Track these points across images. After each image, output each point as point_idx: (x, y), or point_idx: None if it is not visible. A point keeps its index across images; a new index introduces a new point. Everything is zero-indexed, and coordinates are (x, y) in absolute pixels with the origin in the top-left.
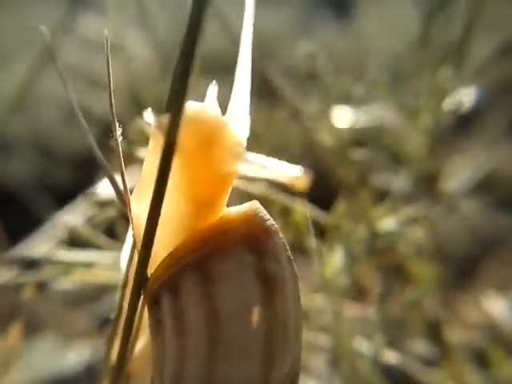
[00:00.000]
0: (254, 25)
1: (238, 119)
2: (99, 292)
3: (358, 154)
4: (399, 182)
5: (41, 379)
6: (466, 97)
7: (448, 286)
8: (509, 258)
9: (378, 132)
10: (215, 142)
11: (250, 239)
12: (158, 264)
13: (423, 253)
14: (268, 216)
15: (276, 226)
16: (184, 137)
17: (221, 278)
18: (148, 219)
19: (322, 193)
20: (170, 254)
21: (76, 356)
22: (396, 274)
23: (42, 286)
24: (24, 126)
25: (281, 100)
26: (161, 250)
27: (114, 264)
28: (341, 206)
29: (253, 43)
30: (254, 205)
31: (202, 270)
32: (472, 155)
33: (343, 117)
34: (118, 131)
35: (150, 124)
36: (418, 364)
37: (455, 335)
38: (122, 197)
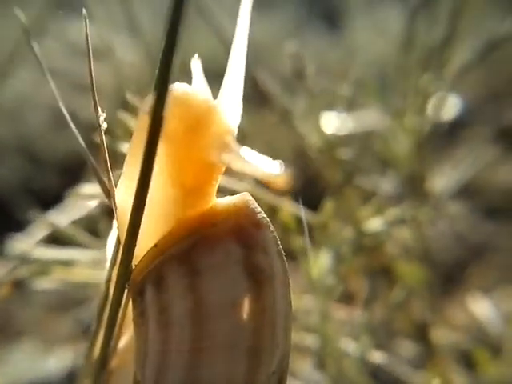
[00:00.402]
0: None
1: (230, 105)
2: (81, 298)
3: (345, 155)
4: (386, 183)
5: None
6: (451, 105)
7: (435, 290)
8: (494, 264)
9: (366, 135)
10: (203, 126)
11: (239, 232)
12: (143, 254)
13: (410, 254)
14: (259, 209)
15: (267, 219)
16: (170, 119)
17: (207, 270)
18: (133, 205)
19: (309, 193)
20: (155, 245)
21: (57, 361)
22: (383, 275)
23: (19, 285)
24: (10, 131)
25: (270, 104)
26: (146, 239)
27: (95, 262)
28: (328, 206)
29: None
30: (245, 197)
31: (187, 262)
32: (457, 161)
33: (331, 121)
34: (102, 124)
35: (134, 115)
36: (404, 365)
37: (441, 336)
38: (106, 188)
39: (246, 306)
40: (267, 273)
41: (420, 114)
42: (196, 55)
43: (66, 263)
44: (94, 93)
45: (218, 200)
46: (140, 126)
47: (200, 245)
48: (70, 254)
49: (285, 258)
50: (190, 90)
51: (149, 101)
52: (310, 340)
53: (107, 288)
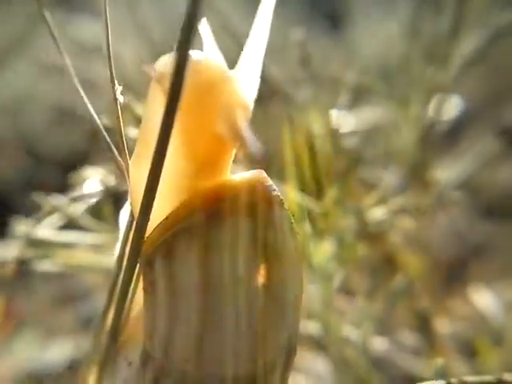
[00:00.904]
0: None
1: (246, 77)
2: (82, 291)
3: (349, 144)
4: (389, 174)
5: (23, 373)
6: (452, 104)
7: (435, 283)
8: (494, 262)
9: (369, 129)
10: (215, 95)
11: (250, 208)
12: (155, 225)
13: (412, 244)
14: (273, 186)
15: (280, 196)
16: (185, 89)
17: (216, 244)
18: (147, 182)
19: (313, 181)
20: (166, 218)
21: (58, 352)
22: (385, 264)
23: (22, 276)
24: (10, 127)
25: (277, 95)
26: (159, 212)
27: (98, 246)
28: (331, 194)
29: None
30: (259, 173)
31: (197, 236)
32: (457, 158)
33: (336, 115)
34: (118, 91)
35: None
36: (405, 353)
37: (443, 326)
38: (120, 163)
39: (254, 282)
40: (277, 249)
41: (423, 106)
42: (204, 19)
43: (69, 246)
44: (110, 66)
45: (232, 176)
46: (152, 96)
47: (210, 219)
48: (73, 236)
49: (297, 236)
50: (203, 56)
51: (162, 66)
52: (312, 327)
53: (119, 264)
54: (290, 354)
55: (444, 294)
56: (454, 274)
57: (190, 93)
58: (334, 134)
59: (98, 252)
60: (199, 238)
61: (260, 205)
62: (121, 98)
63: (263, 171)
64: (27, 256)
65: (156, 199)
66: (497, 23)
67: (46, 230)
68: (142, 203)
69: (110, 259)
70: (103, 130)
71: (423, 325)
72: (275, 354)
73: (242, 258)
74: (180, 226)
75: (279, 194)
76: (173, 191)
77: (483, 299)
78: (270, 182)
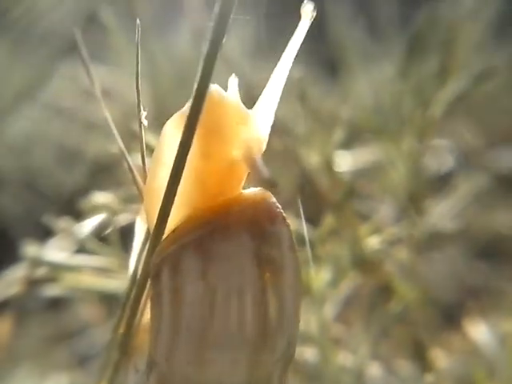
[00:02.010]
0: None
1: (263, 116)
2: (78, 328)
3: (345, 175)
4: (384, 207)
5: None
6: (445, 152)
7: (432, 317)
8: (491, 306)
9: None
10: (235, 129)
11: (253, 224)
12: (165, 236)
13: (407, 273)
14: (276, 203)
15: (283, 214)
16: (205, 117)
17: (219, 259)
18: (165, 194)
19: (310, 210)
20: (173, 230)
21: None
22: (381, 292)
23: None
24: (16, 165)
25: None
26: (170, 224)
27: (104, 269)
28: (328, 222)
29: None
30: (264, 191)
31: (202, 249)
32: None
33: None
34: (142, 113)
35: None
36: (401, 382)
37: (438, 357)
38: (134, 173)
39: (253, 294)
40: (277, 264)
41: (415, 144)
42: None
43: (76, 269)
44: (138, 90)
45: (242, 191)
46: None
47: (215, 234)
48: (79, 260)
49: (297, 253)
50: (226, 93)
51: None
52: (307, 352)
53: (133, 281)
54: (286, 364)
55: (439, 328)
56: (449, 310)
57: (210, 124)
58: (330, 166)
59: (104, 276)
60: (204, 251)
61: (263, 222)
62: (145, 122)
63: (266, 190)
64: (34, 278)
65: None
66: (482, 66)
67: (54, 252)
68: (156, 225)
69: (116, 283)
70: (123, 148)
71: (419, 354)
72: (273, 363)
73: (241, 271)
74: (186, 238)
75: (282, 211)
76: (184, 204)
77: (478, 332)
78: (273, 198)
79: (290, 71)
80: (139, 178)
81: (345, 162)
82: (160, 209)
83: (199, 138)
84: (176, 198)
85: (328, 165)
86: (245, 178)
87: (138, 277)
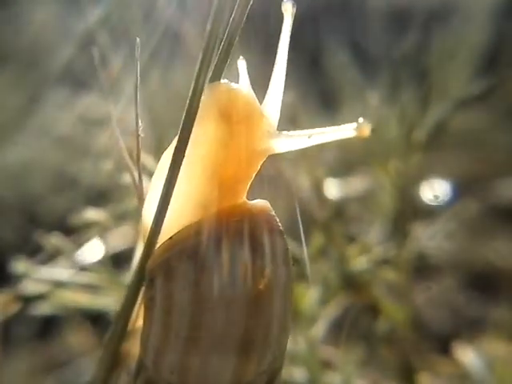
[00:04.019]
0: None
1: (273, 107)
2: (66, 359)
3: (333, 197)
4: (373, 230)
5: None
6: (438, 186)
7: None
8: (480, 331)
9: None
10: (253, 121)
11: (250, 236)
12: (167, 236)
13: (394, 293)
14: (275, 217)
15: (280, 227)
16: (224, 110)
17: (212, 268)
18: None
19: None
20: (170, 237)
21: None
22: (368, 313)
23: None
24: (12, 192)
25: None
26: (170, 229)
27: (95, 286)
28: (316, 242)
29: None
30: (264, 203)
31: (195, 258)
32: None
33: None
34: (140, 134)
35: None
36: None
37: (426, 380)
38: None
39: (242, 306)
40: (269, 278)
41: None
42: (241, 56)
43: (66, 285)
44: (136, 102)
45: (240, 202)
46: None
47: (211, 243)
48: (70, 276)
49: (291, 268)
50: (242, 88)
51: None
52: (296, 372)
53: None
54: (271, 377)
55: (428, 351)
56: (439, 335)
57: (230, 117)
58: (320, 189)
59: (95, 293)
60: (197, 260)
61: (260, 234)
62: (142, 135)
63: (267, 202)
64: (24, 296)
65: (172, 213)
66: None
67: (45, 269)
68: (149, 235)
69: (106, 300)
70: (129, 162)
71: (406, 376)
72: (257, 375)
73: (233, 282)
74: (182, 246)
75: (280, 224)
76: (186, 211)
77: (467, 357)
78: (272, 212)
79: (283, 97)
80: (141, 194)
81: (334, 185)
82: (152, 223)
83: (218, 128)
84: (191, 199)
85: (318, 188)
86: (258, 169)
87: (131, 282)
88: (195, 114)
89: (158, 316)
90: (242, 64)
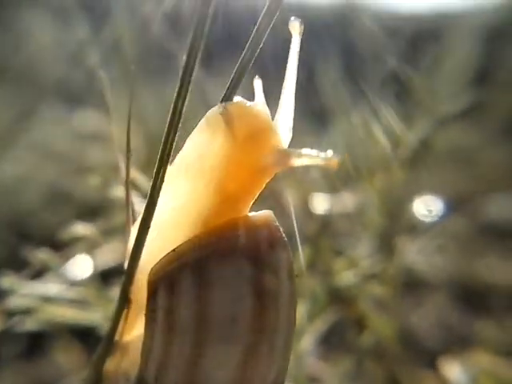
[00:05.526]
0: None
1: (284, 124)
2: (55, 377)
3: (321, 208)
4: (361, 245)
5: None
6: (429, 203)
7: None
8: (465, 346)
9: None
10: (263, 137)
11: (253, 249)
12: (170, 248)
13: (382, 308)
14: (279, 229)
15: (284, 240)
16: (236, 125)
17: (216, 283)
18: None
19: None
20: (173, 250)
21: None
22: (355, 326)
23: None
24: (4, 208)
25: None
26: (172, 242)
27: (82, 301)
28: (304, 256)
29: None
30: (268, 215)
31: (199, 272)
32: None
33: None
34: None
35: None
36: None
37: None
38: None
39: (246, 323)
40: (273, 294)
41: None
42: (257, 76)
43: (53, 301)
44: (129, 120)
45: (243, 215)
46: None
47: (214, 256)
48: (58, 291)
49: (295, 281)
50: (256, 105)
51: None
52: None
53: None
54: None
55: (415, 365)
56: (426, 350)
57: (241, 132)
58: (307, 204)
59: (82, 308)
60: (200, 274)
61: (263, 247)
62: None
63: (271, 213)
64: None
65: (173, 226)
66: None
67: (32, 284)
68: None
69: (94, 316)
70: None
71: None
72: None
73: (237, 298)
74: (185, 259)
75: (284, 236)
76: (191, 221)
77: (452, 371)
78: (276, 224)
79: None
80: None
81: (322, 199)
82: (134, 243)
83: (232, 145)
84: (194, 211)
85: (305, 202)
86: (264, 186)
87: (117, 299)
88: (175, 134)
89: (161, 331)
90: (257, 83)
